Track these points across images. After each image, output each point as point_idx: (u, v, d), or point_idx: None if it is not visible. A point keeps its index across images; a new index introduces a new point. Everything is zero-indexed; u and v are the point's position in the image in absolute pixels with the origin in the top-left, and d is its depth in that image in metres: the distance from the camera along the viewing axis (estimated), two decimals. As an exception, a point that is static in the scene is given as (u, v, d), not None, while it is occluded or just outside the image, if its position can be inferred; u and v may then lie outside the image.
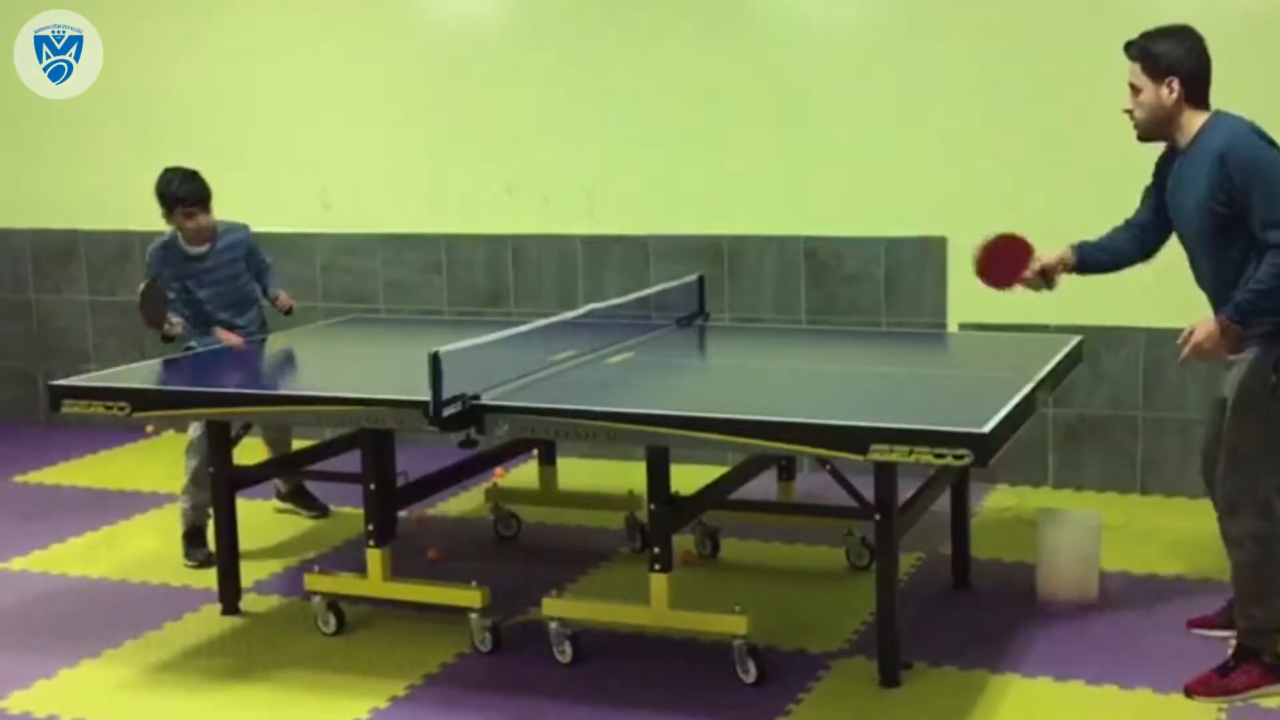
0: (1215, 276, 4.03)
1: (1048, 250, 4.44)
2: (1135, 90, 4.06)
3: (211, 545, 5.03)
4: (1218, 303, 4.01)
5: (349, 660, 4.46)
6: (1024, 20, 5.90)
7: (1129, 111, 4.11)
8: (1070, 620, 4.61)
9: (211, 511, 5.34)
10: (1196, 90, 4.02)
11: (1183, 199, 4.05)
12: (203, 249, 5.40)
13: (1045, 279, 4.46)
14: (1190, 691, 4.03)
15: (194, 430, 5.36)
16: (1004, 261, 4.47)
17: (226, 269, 5.46)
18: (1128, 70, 4.08)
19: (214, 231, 5.41)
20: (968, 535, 4.96)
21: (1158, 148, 4.20)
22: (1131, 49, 4.07)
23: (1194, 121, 4.02)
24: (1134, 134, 4.13)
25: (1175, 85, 3.99)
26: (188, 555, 5.40)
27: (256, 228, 5.65)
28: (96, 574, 5.33)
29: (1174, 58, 3.99)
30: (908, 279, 6.20)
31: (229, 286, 5.48)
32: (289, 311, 5.64)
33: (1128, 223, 4.40)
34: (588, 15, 6.59)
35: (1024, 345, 5.20)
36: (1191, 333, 3.96)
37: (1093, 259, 4.42)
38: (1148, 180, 4.30)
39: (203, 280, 5.40)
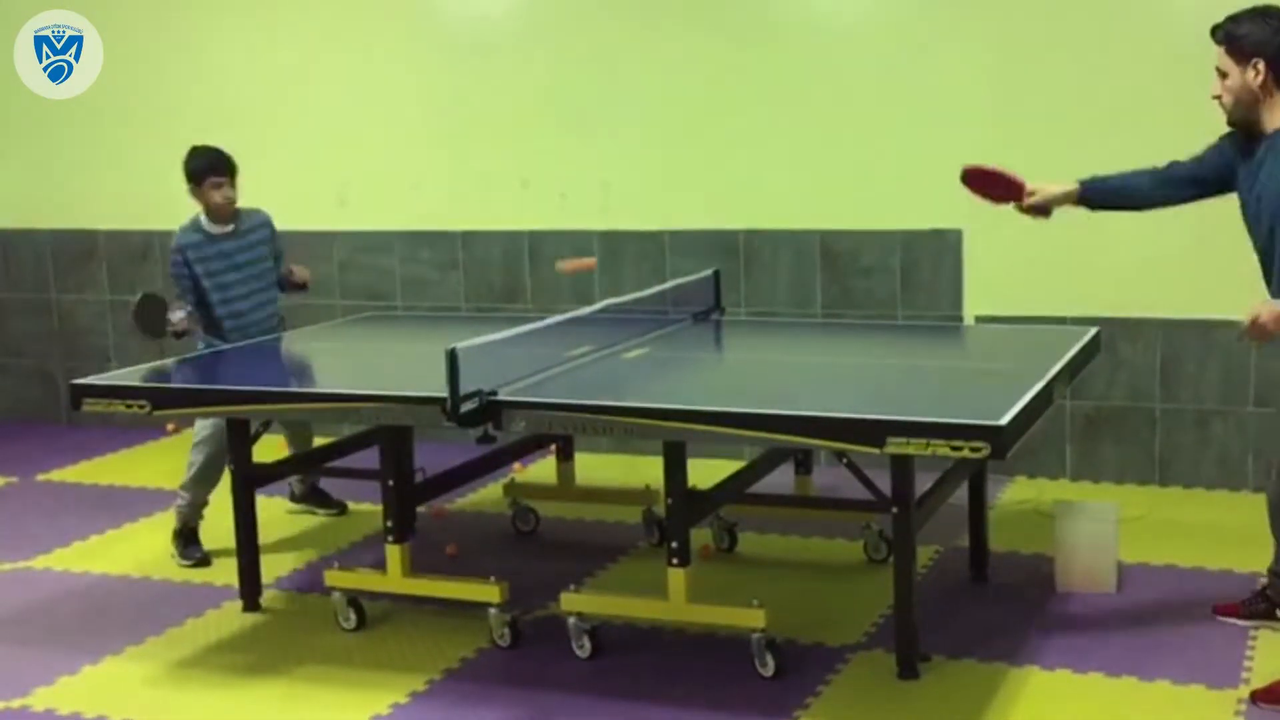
0: None
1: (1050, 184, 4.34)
2: (1222, 75, 3.94)
3: (209, 545, 5.04)
4: None
5: (369, 655, 4.48)
6: (1038, 13, 5.88)
7: (1217, 97, 3.98)
8: (1089, 612, 4.61)
9: (204, 511, 5.38)
10: None
11: (1265, 186, 3.91)
12: (228, 228, 5.41)
13: (1044, 211, 4.37)
14: (1255, 698, 3.86)
15: (204, 427, 5.36)
16: (994, 183, 4.38)
17: (253, 250, 5.44)
18: (1215, 55, 3.96)
19: (237, 211, 5.43)
20: (985, 528, 4.96)
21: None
22: (1217, 32, 3.95)
23: None
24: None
25: (1261, 67, 3.86)
26: (183, 555, 5.38)
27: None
28: (119, 571, 5.36)
29: (1259, 39, 3.86)
30: (923, 272, 6.20)
31: (256, 270, 5.45)
32: (305, 285, 5.68)
33: (1156, 171, 4.25)
34: (603, 10, 6.59)
35: (1041, 337, 5.20)
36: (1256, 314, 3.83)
37: (1102, 196, 4.31)
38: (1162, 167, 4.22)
39: (232, 260, 5.38)
